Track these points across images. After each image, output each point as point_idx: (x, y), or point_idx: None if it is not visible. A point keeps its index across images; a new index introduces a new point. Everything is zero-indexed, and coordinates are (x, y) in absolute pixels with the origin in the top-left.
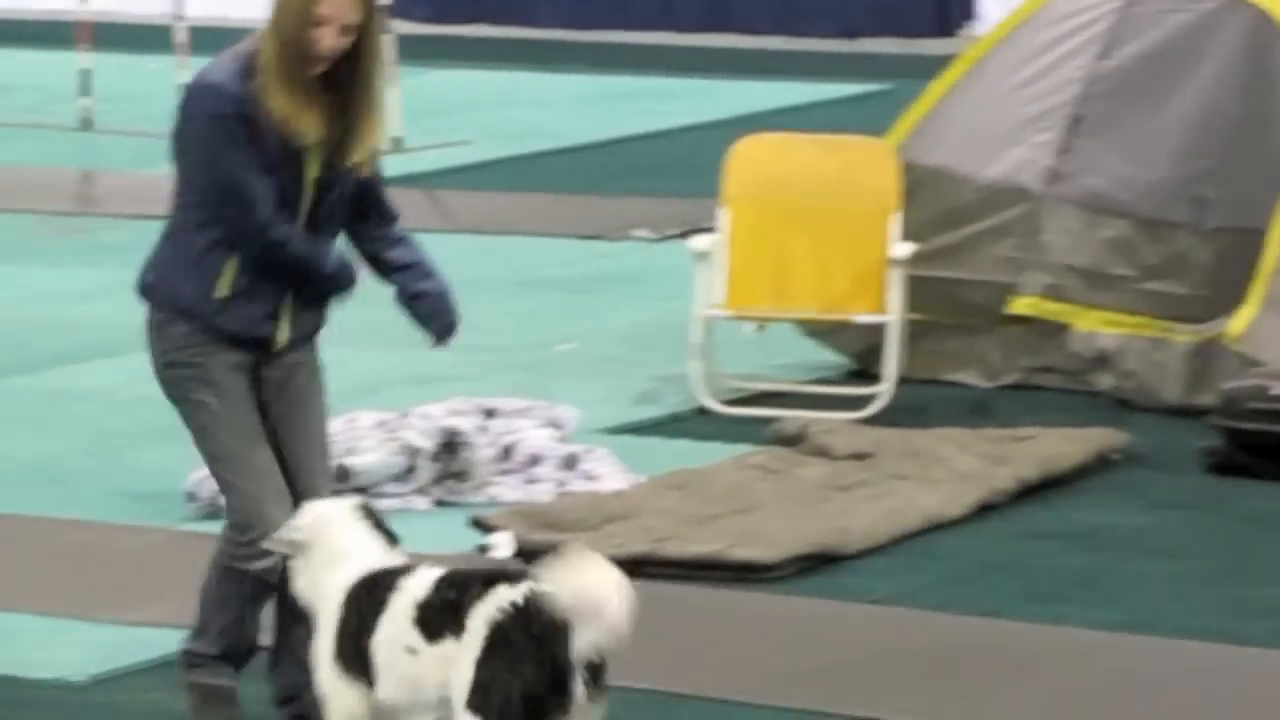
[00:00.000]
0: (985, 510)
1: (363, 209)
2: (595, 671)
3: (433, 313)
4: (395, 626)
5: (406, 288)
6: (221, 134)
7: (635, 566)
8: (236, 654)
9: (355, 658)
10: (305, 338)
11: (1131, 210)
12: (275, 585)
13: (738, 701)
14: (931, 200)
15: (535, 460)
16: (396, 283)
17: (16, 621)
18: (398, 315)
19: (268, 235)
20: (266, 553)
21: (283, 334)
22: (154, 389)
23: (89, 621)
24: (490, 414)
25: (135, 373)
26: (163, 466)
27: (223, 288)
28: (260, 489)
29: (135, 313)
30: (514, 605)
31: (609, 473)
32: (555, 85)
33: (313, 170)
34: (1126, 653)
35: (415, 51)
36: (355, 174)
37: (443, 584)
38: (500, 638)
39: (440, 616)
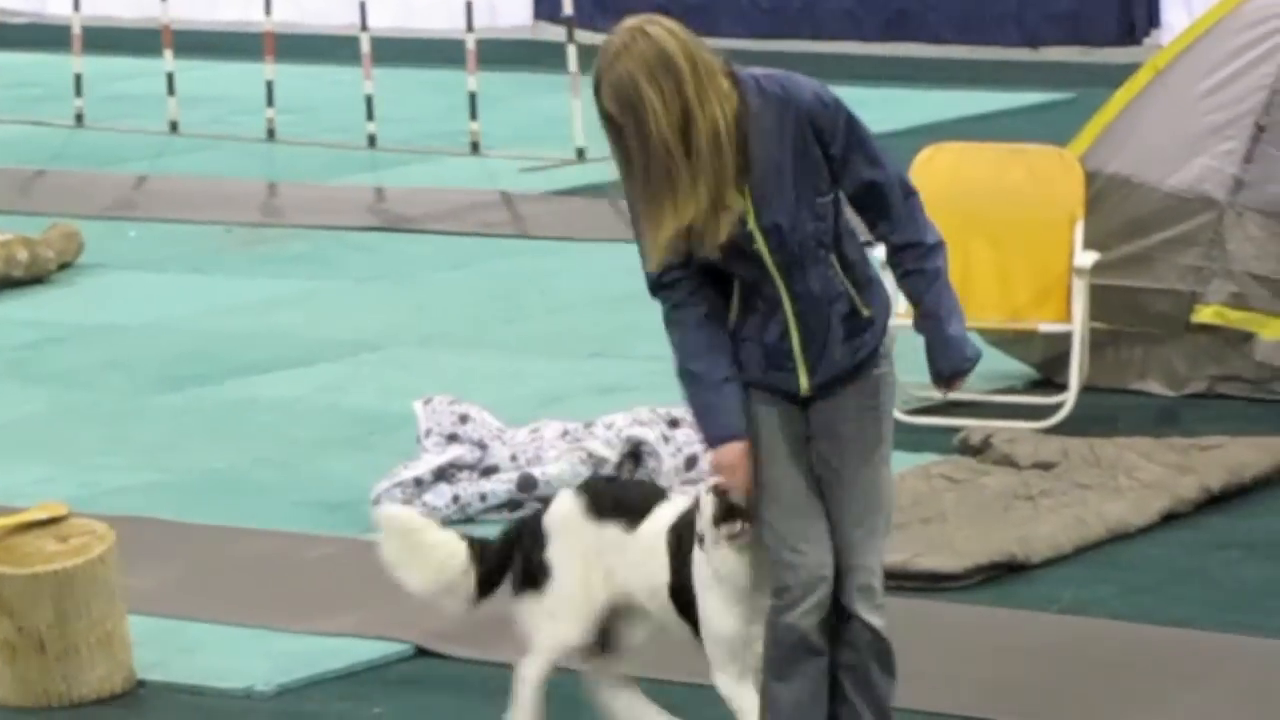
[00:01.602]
0: (1170, 519)
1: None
2: None
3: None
4: None
5: (915, 326)
6: None
7: None
8: None
9: None
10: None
11: None
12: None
13: (924, 711)
14: (1115, 209)
15: None
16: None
17: (204, 631)
18: (581, 324)
19: None
20: None
21: None
22: (340, 398)
23: (275, 631)
24: (674, 424)
25: (320, 383)
26: (348, 476)
27: None
28: None
29: (319, 324)
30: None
31: None
32: None
33: None
34: None
35: None
36: None
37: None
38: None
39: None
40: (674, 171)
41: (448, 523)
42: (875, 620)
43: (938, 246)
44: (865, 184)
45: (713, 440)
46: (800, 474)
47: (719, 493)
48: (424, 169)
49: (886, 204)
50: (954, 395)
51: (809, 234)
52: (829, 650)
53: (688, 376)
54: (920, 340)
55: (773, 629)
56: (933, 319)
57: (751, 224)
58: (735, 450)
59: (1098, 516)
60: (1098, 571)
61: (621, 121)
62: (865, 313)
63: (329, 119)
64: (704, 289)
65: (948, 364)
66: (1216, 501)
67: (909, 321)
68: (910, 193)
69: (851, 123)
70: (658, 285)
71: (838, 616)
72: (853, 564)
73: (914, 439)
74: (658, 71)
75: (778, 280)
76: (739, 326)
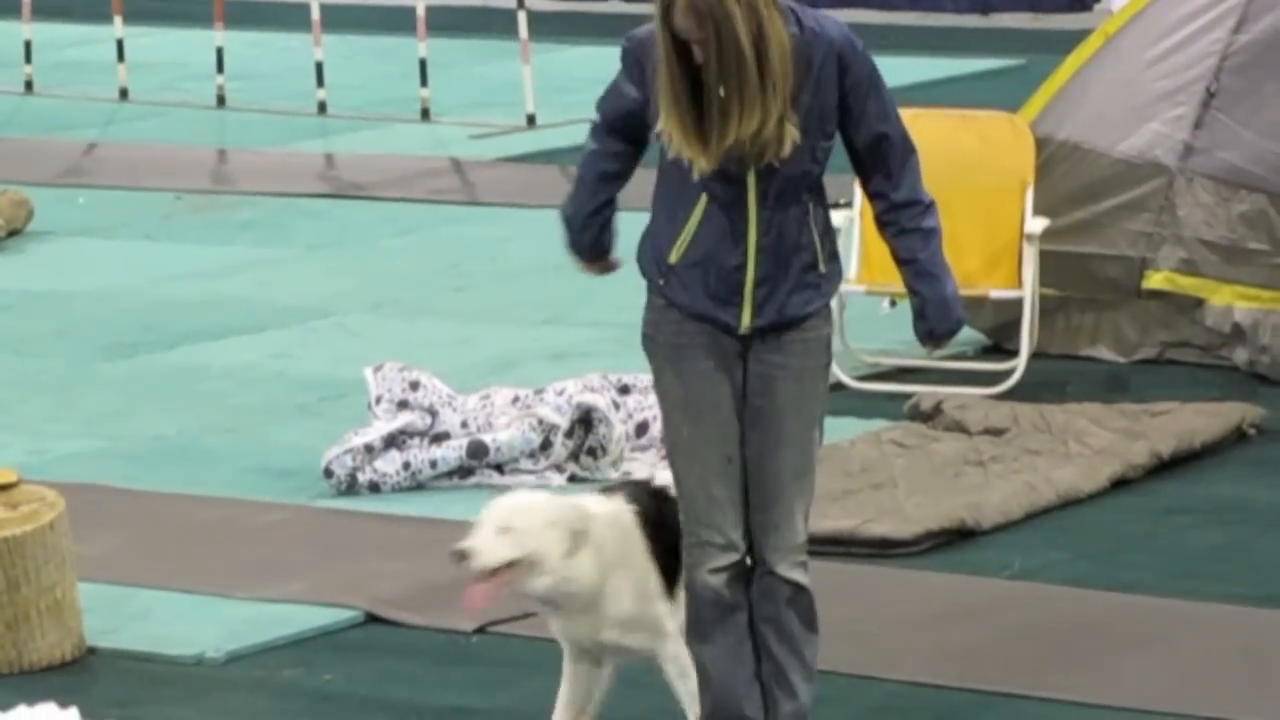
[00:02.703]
0: (1120, 485)
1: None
2: None
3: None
4: None
5: (907, 284)
6: None
7: None
8: None
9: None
10: None
11: (1266, 185)
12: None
13: (875, 677)
14: (1066, 175)
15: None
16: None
17: (154, 598)
18: (532, 291)
19: None
20: None
21: None
22: (290, 365)
23: (226, 598)
24: (625, 390)
25: (270, 349)
26: (298, 443)
27: None
28: None
29: (269, 290)
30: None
31: None
32: None
33: None
34: (1262, 627)
35: (547, 28)
36: None
37: None
38: None
39: None
40: (748, 82)
41: (397, 489)
42: (796, 576)
43: (932, 206)
44: (876, 136)
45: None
46: (723, 435)
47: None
48: (374, 135)
49: (891, 159)
50: (908, 361)
51: (800, 175)
52: (748, 606)
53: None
54: (873, 307)
55: (689, 589)
56: (929, 278)
57: None
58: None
59: (1048, 482)
60: (1048, 537)
61: (700, 36)
62: (822, 268)
63: (279, 86)
64: (622, 156)
65: (943, 323)
66: (1166, 467)
67: (861, 288)
68: (911, 150)
69: (874, 72)
70: (602, 128)
71: (757, 572)
72: (775, 521)
73: (865, 405)
74: None
75: (752, 211)
76: (690, 249)
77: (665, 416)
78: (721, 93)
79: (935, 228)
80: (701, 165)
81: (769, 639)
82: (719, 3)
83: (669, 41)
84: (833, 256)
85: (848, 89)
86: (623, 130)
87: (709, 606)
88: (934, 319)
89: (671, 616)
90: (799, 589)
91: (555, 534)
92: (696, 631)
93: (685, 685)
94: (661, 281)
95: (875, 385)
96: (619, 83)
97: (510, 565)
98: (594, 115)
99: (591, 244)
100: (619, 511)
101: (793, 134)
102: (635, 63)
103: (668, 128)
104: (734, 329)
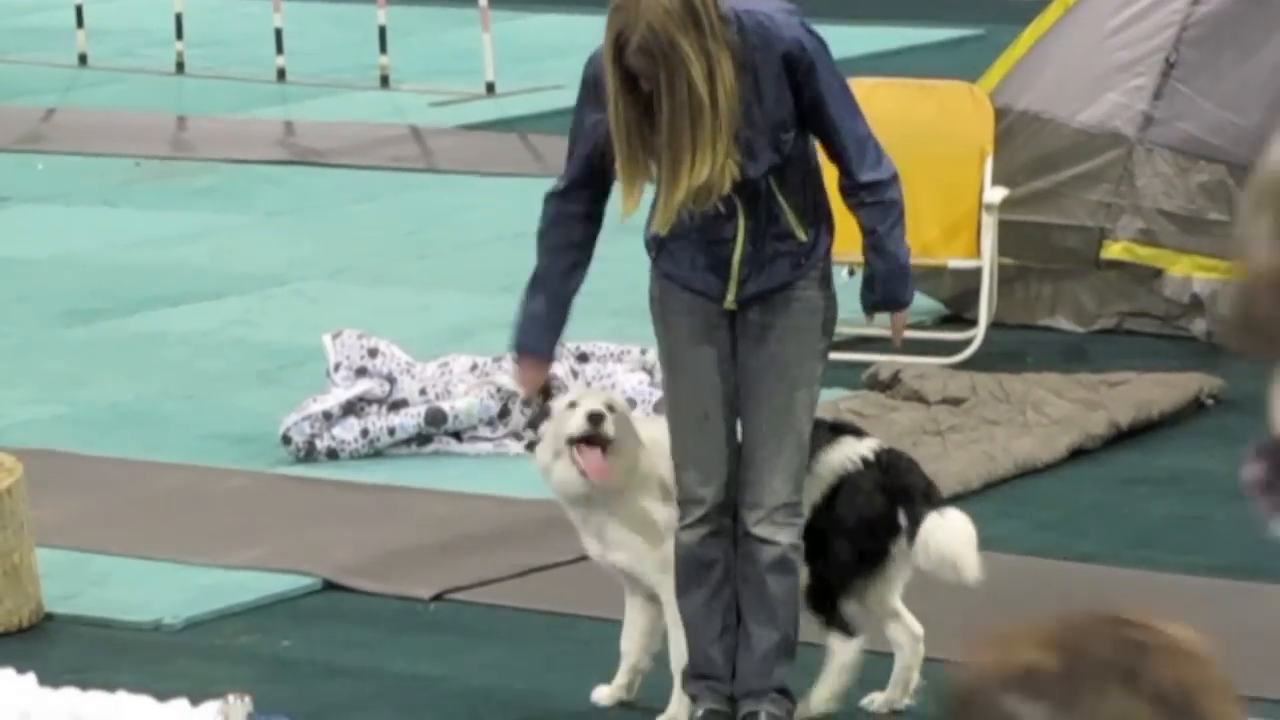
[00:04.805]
0: (1078, 455)
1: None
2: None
3: (868, 284)
4: None
5: (864, 253)
6: None
7: None
8: None
9: None
10: None
11: (1225, 155)
12: None
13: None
14: (1025, 145)
15: (628, 405)
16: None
17: (111, 564)
18: (490, 259)
19: None
20: None
21: None
22: (249, 332)
23: (184, 564)
24: (584, 358)
25: (229, 316)
26: (257, 409)
27: None
28: None
29: (228, 257)
30: (863, 459)
31: None
32: None
33: None
34: (1219, 598)
35: None
36: None
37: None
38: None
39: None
40: (700, 125)
41: (355, 456)
42: (777, 536)
43: (894, 180)
44: (832, 126)
45: (513, 345)
46: (706, 392)
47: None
48: (333, 103)
49: (849, 146)
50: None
51: (766, 169)
52: (729, 563)
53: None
54: (833, 276)
55: (675, 546)
56: (884, 252)
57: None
58: (527, 364)
59: (1006, 452)
60: (1005, 507)
61: (649, 75)
62: (801, 236)
63: (238, 52)
64: (586, 188)
65: (888, 298)
66: (1125, 437)
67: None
68: (867, 134)
69: (826, 69)
70: (573, 186)
71: (739, 531)
72: (749, 479)
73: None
74: (687, 21)
75: (735, 201)
76: (678, 225)
77: (661, 374)
78: (668, 136)
79: (895, 200)
80: (628, 206)
81: (745, 600)
82: (672, 46)
83: (619, 81)
84: (814, 221)
85: (800, 87)
86: (594, 174)
87: (683, 561)
88: (881, 293)
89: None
90: (772, 547)
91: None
92: (677, 584)
93: (676, 633)
94: (654, 254)
95: (833, 355)
96: (581, 119)
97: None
98: (555, 82)
99: (548, 341)
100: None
101: (732, 171)
102: (595, 84)
103: (617, 156)
104: (721, 300)
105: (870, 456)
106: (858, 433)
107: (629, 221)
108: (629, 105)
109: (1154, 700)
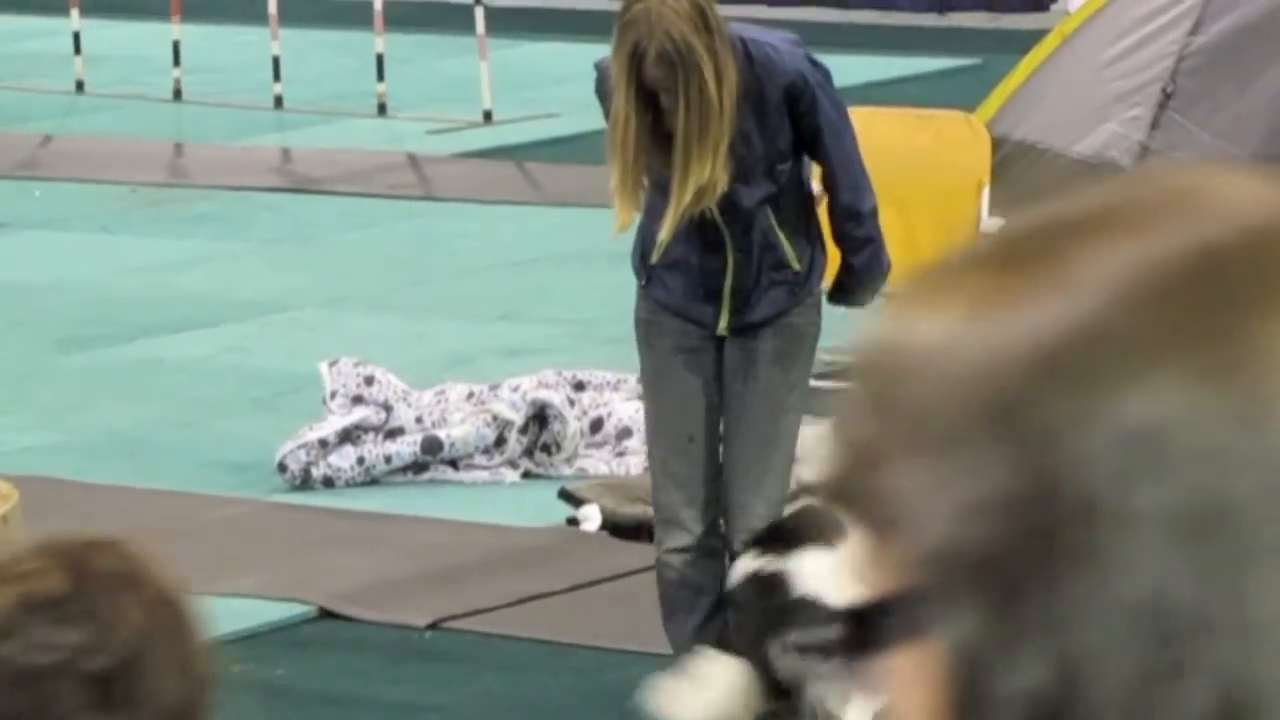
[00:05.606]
0: None
1: None
2: None
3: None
4: None
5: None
6: None
7: None
8: None
9: None
10: None
11: None
12: None
13: None
14: (1022, 175)
15: (625, 433)
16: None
17: None
18: (488, 287)
19: None
20: None
21: None
22: (245, 359)
23: None
24: (580, 387)
25: (225, 343)
26: (253, 437)
27: None
28: None
29: (225, 284)
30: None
31: None
32: None
33: None
34: None
35: (504, 24)
36: None
37: None
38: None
39: None
40: (710, 130)
41: (351, 484)
42: None
43: (871, 214)
44: (825, 157)
45: None
46: (693, 414)
47: None
48: (331, 130)
49: (838, 174)
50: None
51: (760, 198)
52: (712, 588)
53: None
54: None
55: (658, 569)
56: (847, 291)
57: None
58: None
59: None
60: None
61: (668, 84)
62: (796, 266)
63: (236, 79)
64: None
65: (854, 301)
66: None
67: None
68: (859, 166)
69: (828, 100)
70: None
71: (727, 556)
72: (741, 503)
73: (820, 403)
74: (699, 24)
75: (723, 229)
76: (671, 247)
77: (644, 394)
78: (684, 141)
79: (870, 238)
80: (624, 220)
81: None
82: (689, 49)
83: (634, 95)
84: (809, 250)
85: (799, 117)
86: None
87: (668, 585)
88: (845, 301)
89: None
90: None
91: None
92: (663, 609)
93: None
94: (644, 281)
95: (830, 384)
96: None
97: None
98: (552, 111)
99: None
100: None
101: (723, 179)
102: (607, 91)
103: (612, 171)
104: (711, 330)
105: None
106: None
107: (621, 248)
108: (640, 118)
109: (155, 601)
